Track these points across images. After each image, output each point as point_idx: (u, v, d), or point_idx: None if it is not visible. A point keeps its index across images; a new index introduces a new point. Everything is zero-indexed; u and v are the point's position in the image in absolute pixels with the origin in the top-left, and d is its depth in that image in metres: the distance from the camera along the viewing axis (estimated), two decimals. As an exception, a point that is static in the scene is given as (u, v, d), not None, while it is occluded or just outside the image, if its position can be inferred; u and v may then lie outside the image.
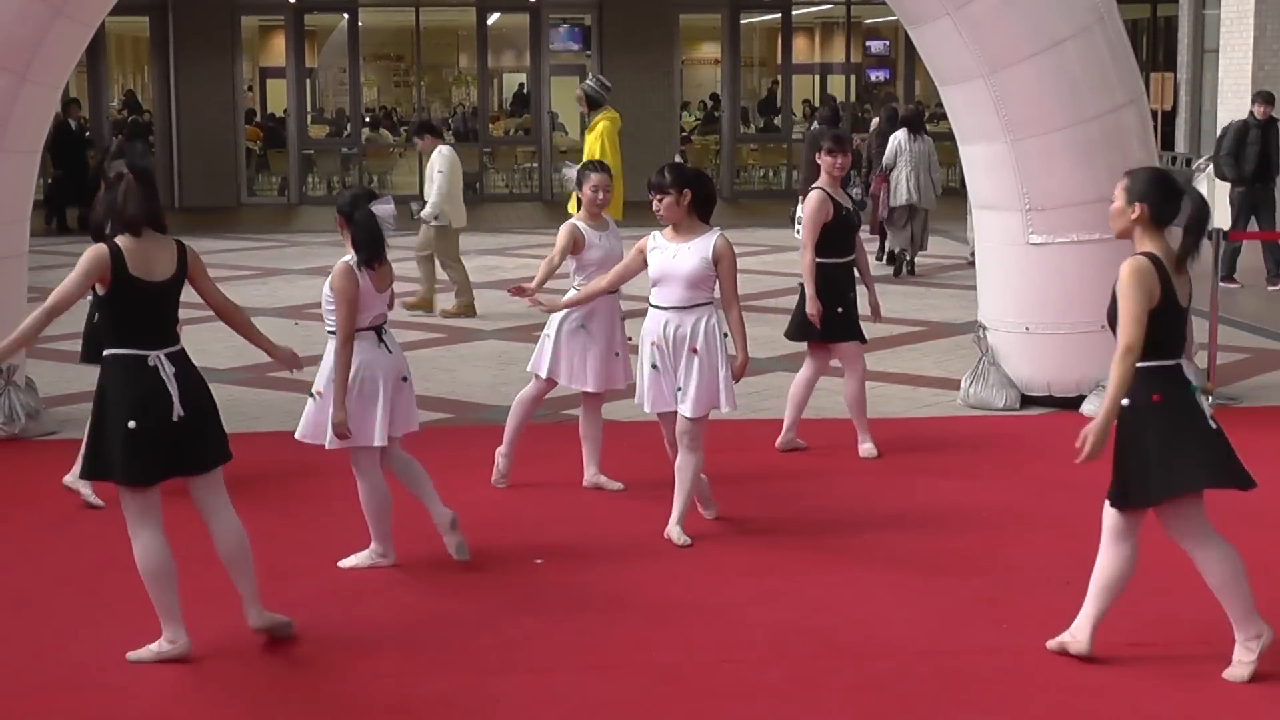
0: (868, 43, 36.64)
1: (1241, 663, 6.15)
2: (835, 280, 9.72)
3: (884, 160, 19.29)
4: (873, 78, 36.96)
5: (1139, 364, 5.94)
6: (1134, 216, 6.08)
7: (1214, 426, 6.05)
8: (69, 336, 14.58)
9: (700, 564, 7.79)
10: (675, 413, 8.14)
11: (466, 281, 16.20)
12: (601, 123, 14.91)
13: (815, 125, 24.90)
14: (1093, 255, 10.92)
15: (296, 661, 6.52)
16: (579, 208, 9.21)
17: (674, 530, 8.16)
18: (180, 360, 6.43)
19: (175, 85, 28.83)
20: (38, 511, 8.94)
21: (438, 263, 16.32)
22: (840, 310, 9.74)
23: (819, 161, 9.95)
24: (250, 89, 35.01)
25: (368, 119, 34.58)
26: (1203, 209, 6.04)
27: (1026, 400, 11.41)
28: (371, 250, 7.40)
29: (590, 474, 9.15)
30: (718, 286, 8.06)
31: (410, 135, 20.48)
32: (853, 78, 34.25)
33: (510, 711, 5.97)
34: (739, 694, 6.09)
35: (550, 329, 9.00)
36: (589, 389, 8.97)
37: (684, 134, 32.25)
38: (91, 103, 29.64)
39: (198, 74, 28.64)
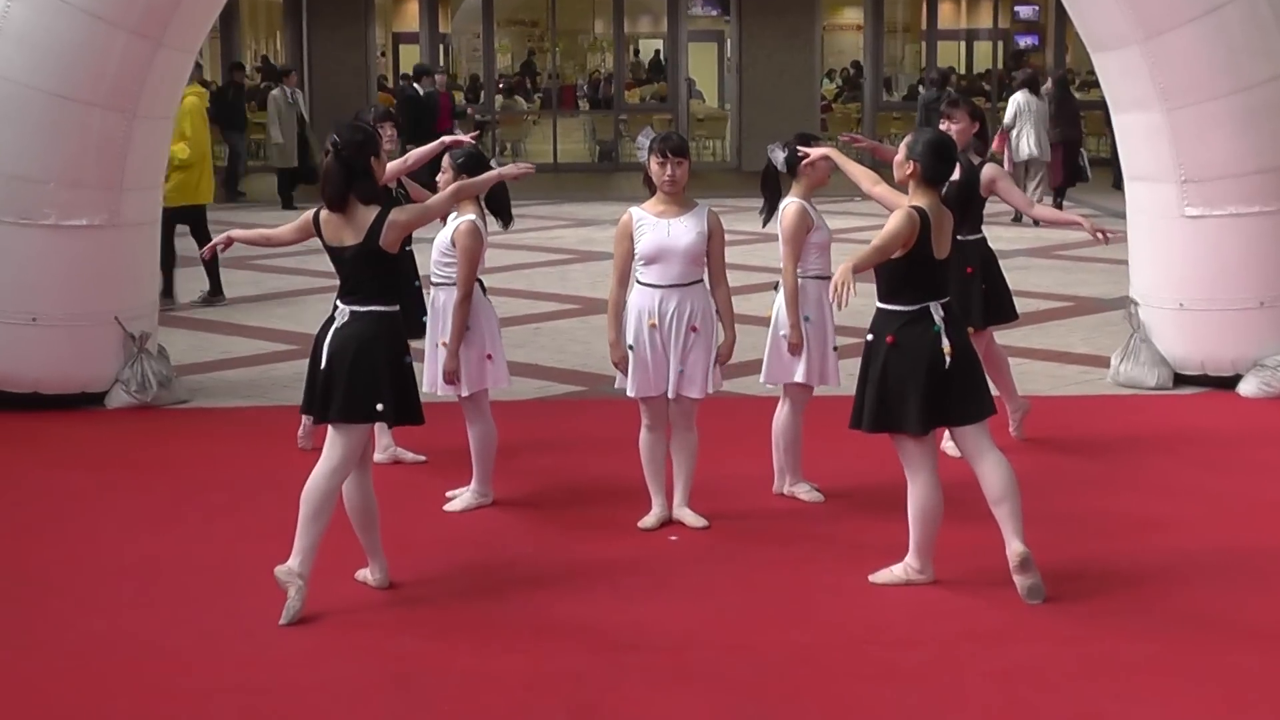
0: (1016, 8, 36.22)
1: (891, 571, 7.12)
2: (968, 257, 9.46)
3: (1005, 120, 21.69)
4: (1021, 44, 36.56)
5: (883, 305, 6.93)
6: (909, 172, 6.95)
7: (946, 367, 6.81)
8: (195, 305, 14.84)
9: (834, 544, 7.78)
10: (661, 396, 7.99)
11: None
12: (189, 98, 14.36)
13: (924, 91, 24.92)
14: (1251, 229, 10.74)
15: (432, 634, 6.59)
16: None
17: (685, 513, 8.11)
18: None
19: (308, 50, 29.14)
20: (170, 481, 9.10)
21: None
22: (986, 288, 9.54)
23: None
24: (383, 54, 35.32)
25: (500, 85, 34.75)
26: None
27: (1179, 379, 11.26)
28: (508, 212, 8.30)
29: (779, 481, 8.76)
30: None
31: None
32: (1000, 44, 33.87)
33: (643, 688, 6.01)
34: (877, 676, 6.09)
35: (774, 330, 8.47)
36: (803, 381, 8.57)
37: (824, 102, 32.10)
38: (224, 73, 30.03)
39: (331, 39, 28.96)
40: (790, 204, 8.32)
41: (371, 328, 6.82)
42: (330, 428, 6.89)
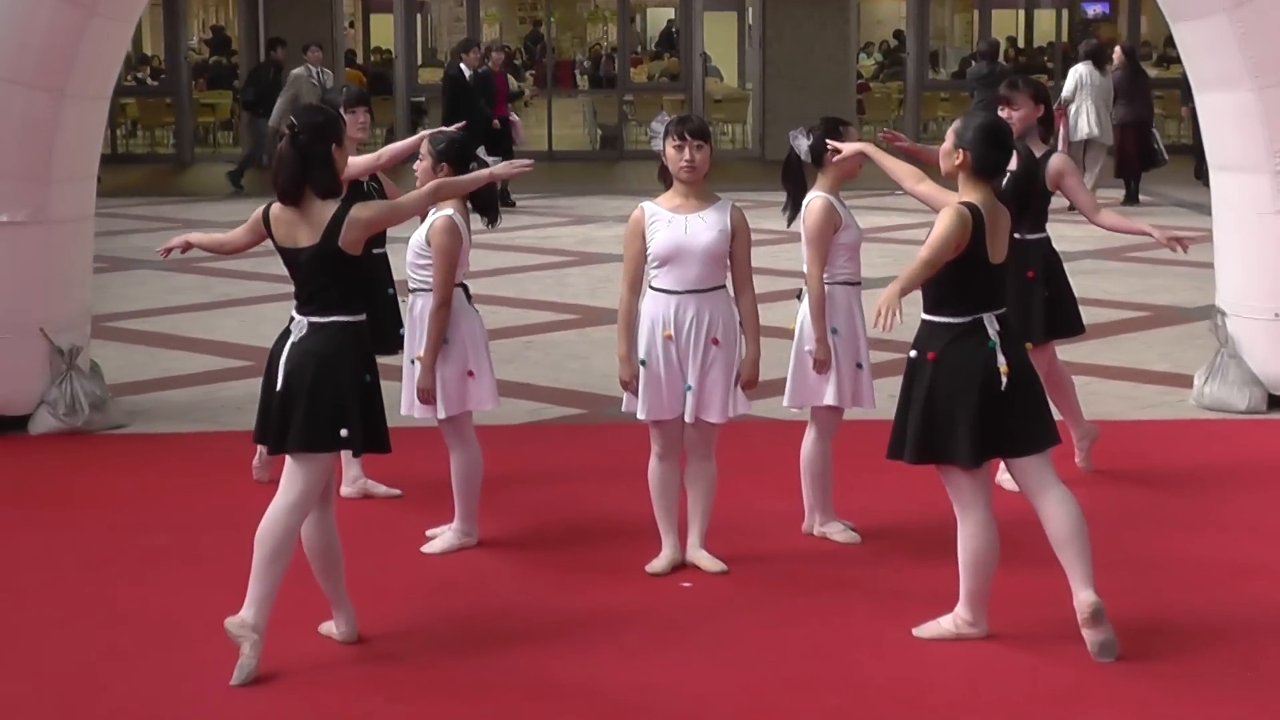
0: (1084, -28, 36.31)
1: (939, 624, 7.09)
2: (1029, 259, 9.42)
3: (1064, 94, 21.88)
4: (1089, 13, 36.60)
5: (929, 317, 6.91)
6: (958, 162, 6.93)
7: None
8: (133, 315, 14.86)
9: (873, 592, 7.77)
10: (676, 420, 7.98)
11: None
12: None
13: (974, 65, 25.01)
14: (1357, 227, 10.72)
15: (407, 696, 6.58)
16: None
17: (701, 555, 8.10)
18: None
19: (265, 20, 29.18)
20: (104, 518, 9.09)
21: None
22: (1049, 295, 9.49)
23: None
24: (351, 25, 35.40)
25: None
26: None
27: (1274, 401, 11.25)
28: (495, 209, 8.33)
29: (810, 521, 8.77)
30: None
31: None
32: (1065, 13, 33.89)
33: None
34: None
35: (799, 344, 8.46)
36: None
37: (860, 80, 32.13)
38: (167, 42, 30.09)
39: (291, 7, 29.00)
40: (815, 199, 8.31)
41: (333, 342, 6.81)
42: (288, 458, 6.87)
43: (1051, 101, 9.69)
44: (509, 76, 24.94)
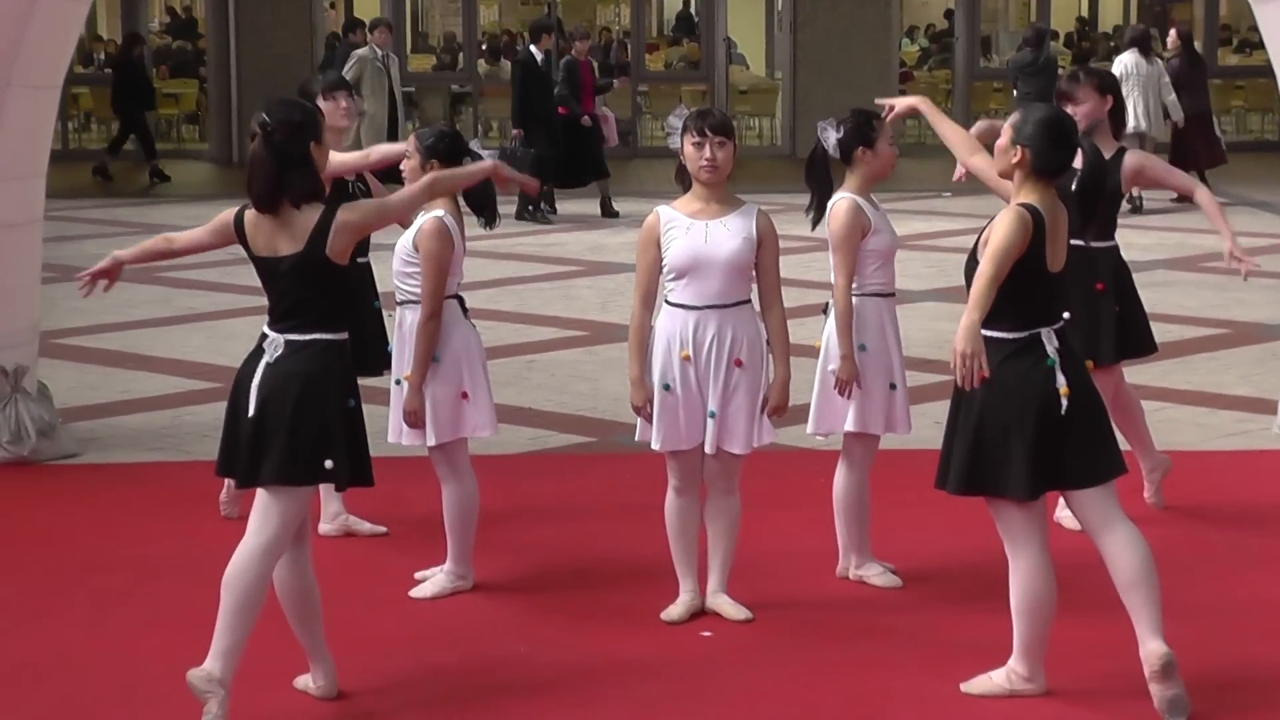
0: (1155, -55, 36.33)
1: (991, 679, 7.07)
2: (1097, 269, 9.40)
3: None
4: (1162, -8, 36.60)
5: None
6: (1015, 160, 6.96)
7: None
8: (86, 330, 14.86)
9: (915, 642, 7.77)
10: (695, 450, 7.95)
11: None
12: None
13: (1017, 53, 25.12)
14: None
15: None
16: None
17: (722, 601, 8.08)
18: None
19: (234, 1, 29.23)
20: (54, 558, 9.11)
21: None
22: (1120, 310, 9.47)
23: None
24: (332, 6, 35.43)
25: (485, 47, 34.85)
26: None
27: (1368, 430, 11.25)
28: (493, 208, 8.40)
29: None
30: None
31: None
32: (1134, -7, 33.93)
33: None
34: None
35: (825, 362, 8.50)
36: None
37: (903, 68, 32.16)
38: (124, 27, 30.13)
39: (264, -13, 29.03)
40: (840, 200, 8.32)
41: (317, 363, 6.82)
42: (261, 493, 6.86)
43: (1120, 91, 9.67)
44: (595, 65, 24.38)
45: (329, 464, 6.80)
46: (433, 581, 8.47)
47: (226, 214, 6.98)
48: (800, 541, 9.05)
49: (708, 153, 7.80)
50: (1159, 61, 22.53)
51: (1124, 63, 22.23)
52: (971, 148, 7.53)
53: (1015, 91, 23.70)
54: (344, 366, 6.89)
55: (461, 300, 8.43)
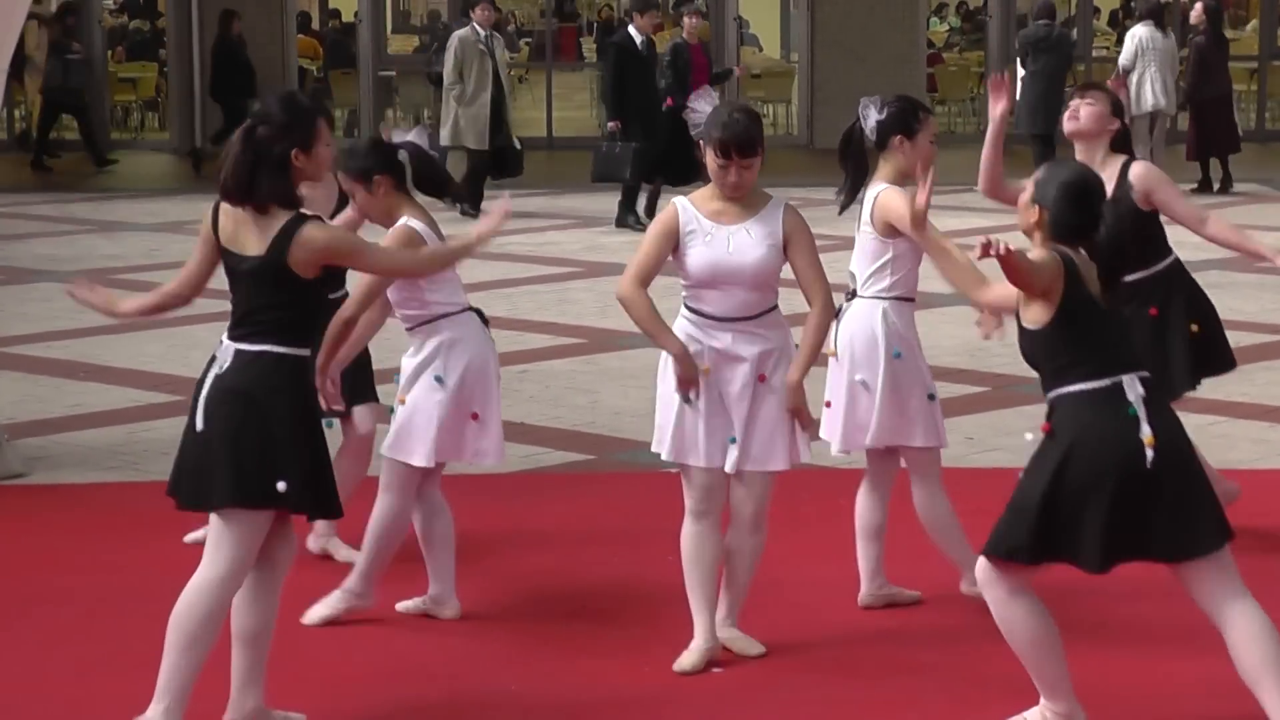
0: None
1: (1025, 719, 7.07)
2: (1148, 297, 9.31)
3: (1122, 61, 22.70)
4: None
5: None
6: (1034, 220, 6.97)
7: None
8: (34, 338, 14.87)
9: (945, 678, 7.77)
10: (717, 471, 7.87)
11: None
12: None
13: (1026, 28, 25.11)
14: None
15: None
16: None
17: (733, 634, 8.05)
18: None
19: (198, -23, 29.28)
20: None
21: None
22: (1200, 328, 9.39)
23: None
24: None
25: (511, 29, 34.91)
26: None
27: None
28: (445, 186, 8.64)
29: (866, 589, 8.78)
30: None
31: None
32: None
33: None
34: None
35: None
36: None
37: (932, 50, 32.19)
38: (77, 3, 30.15)
39: (230, -39, 29.08)
40: (884, 189, 8.26)
41: (264, 379, 6.79)
42: (213, 518, 6.85)
43: (1124, 114, 9.58)
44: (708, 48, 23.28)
45: (281, 486, 6.76)
46: (325, 602, 8.38)
47: (205, 218, 6.98)
48: (817, 568, 9.06)
49: (732, 175, 7.71)
50: (1172, 35, 22.91)
51: (1138, 36, 22.56)
52: (977, 280, 7.40)
53: (1023, 68, 23.21)
54: (298, 385, 6.85)
55: (481, 313, 8.43)
